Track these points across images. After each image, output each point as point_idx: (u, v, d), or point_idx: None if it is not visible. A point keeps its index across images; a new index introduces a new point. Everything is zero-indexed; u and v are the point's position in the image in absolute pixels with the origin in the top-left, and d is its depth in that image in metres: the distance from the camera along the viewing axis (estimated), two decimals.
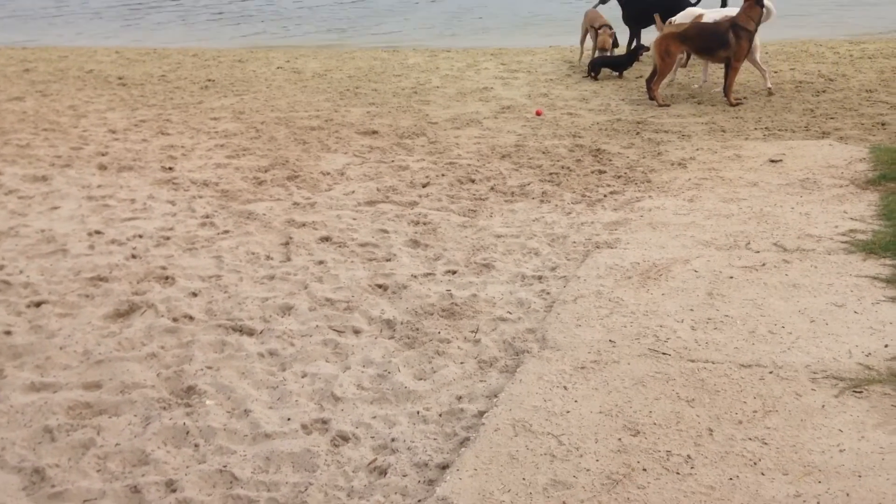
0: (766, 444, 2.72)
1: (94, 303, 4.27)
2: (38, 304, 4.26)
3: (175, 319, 4.06)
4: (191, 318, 4.08)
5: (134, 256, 4.88)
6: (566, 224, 5.19)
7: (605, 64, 10.16)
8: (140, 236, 5.21)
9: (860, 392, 2.97)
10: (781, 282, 3.97)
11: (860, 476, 2.53)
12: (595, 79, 10.01)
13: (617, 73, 10.13)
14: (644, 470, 2.63)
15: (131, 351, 3.76)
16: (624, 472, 2.63)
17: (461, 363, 3.56)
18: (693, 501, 2.47)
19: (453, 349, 3.68)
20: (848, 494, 2.45)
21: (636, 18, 10.65)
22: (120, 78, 11.51)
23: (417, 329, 3.88)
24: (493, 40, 12.68)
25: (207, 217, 5.57)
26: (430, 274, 4.52)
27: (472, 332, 3.82)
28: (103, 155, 7.25)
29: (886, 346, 3.28)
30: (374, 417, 3.19)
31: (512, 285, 4.31)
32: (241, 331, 3.93)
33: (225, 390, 3.39)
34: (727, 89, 8.40)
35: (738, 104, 8.27)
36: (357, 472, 2.86)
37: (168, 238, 5.17)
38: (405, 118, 8.48)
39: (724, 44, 8.13)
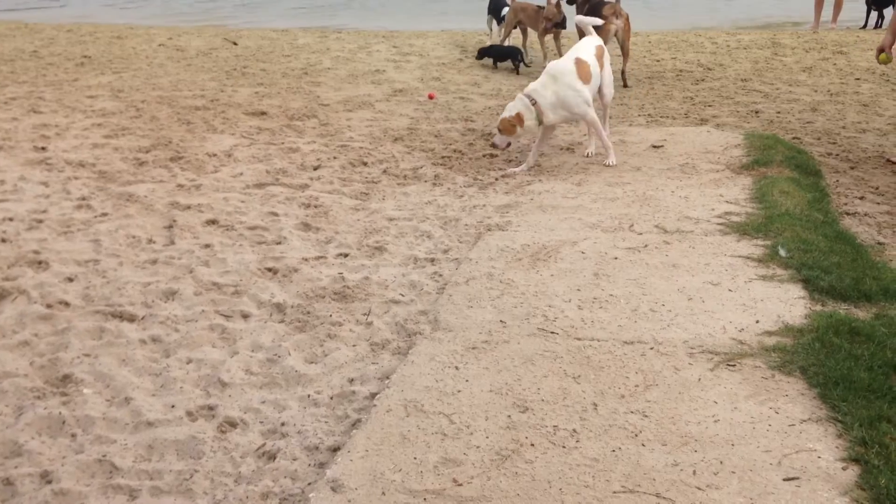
0: (646, 416, 2.83)
1: None
2: None
3: (49, 306, 3.86)
4: (66, 304, 3.89)
5: (3, 240, 4.60)
6: (458, 207, 5.22)
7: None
8: (10, 219, 4.91)
9: (733, 365, 3.13)
10: (662, 262, 4.13)
11: (733, 444, 2.66)
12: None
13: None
14: (532, 445, 2.69)
15: (1, 339, 3.55)
16: (513, 447, 2.68)
17: (353, 346, 3.53)
18: (578, 473, 2.54)
19: (345, 332, 3.64)
20: (721, 462, 2.58)
21: None
22: None
23: (308, 312, 3.82)
24: (385, 22, 12.61)
25: (84, 199, 5.30)
26: (321, 257, 4.46)
27: (365, 314, 3.80)
28: None
29: (758, 321, 3.46)
30: (264, 402, 3.12)
31: (404, 268, 4.31)
32: (120, 317, 3.77)
33: (104, 378, 3.25)
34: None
35: None
36: (245, 457, 2.80)
37: (41, 221, 4.89)
38: (295, 99, 8.32)
39: None
